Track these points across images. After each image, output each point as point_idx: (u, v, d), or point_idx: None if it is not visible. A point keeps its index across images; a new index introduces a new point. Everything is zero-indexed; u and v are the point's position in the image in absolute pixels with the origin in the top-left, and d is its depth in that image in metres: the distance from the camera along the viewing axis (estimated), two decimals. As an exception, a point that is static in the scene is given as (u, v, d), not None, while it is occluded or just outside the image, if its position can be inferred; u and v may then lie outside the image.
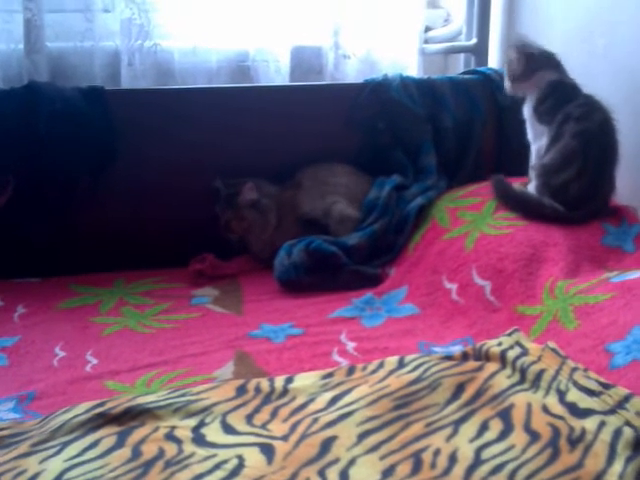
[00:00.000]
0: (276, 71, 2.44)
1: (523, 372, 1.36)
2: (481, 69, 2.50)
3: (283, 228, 2.25)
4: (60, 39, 2.32)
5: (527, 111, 2.06)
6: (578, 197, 1.93)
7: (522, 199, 2.00)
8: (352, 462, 1.18)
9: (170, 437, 1.25)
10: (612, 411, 1.23)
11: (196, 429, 1.28)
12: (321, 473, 1.15)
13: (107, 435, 1.26)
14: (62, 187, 2.14)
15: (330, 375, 1.43)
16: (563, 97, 2.00)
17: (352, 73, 2.51)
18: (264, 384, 1.41)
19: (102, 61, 2.34)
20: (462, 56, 2.68)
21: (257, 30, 2.43)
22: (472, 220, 2.01)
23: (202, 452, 1.21)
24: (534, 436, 1.20)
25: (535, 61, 2.04)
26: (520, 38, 2.16)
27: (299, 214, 2.26)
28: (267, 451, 1.21)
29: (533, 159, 2.06)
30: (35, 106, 2.11)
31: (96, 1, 2.33)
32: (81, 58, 2.32)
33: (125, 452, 1.22)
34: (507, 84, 2.11)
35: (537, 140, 2.04)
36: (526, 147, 2.08)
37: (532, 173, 2.03)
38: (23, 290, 2.07)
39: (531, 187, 2.01)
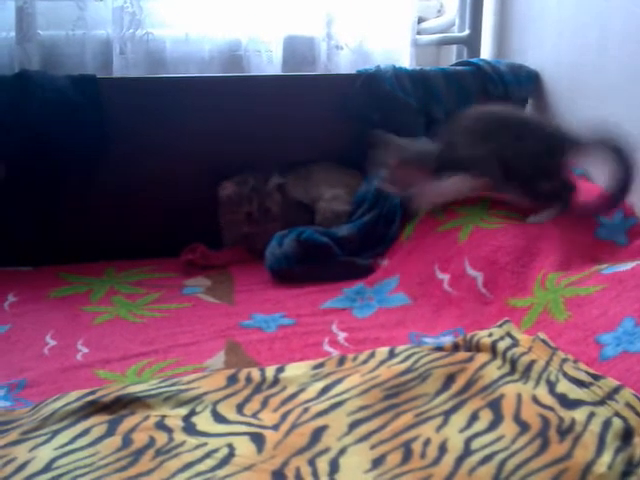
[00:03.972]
0: (268, 61, 2.43)
1: (513, 363, 1.36)
2: (473, 60, 2.49)
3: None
4: (52, 27, 2.31)
5: None
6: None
7: None
8: (342, 451, 1.18)
9: (160, 426, 1.26)
10: (601, 402, 1.23)
11: (186, 418, 1.28)
12: (311, 462, 1.16)
13: (98, 423, 1.26)
14: (53, 176, 2.14)
15: (321, 365, 1.44)
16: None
17: (345, 64, 2.50)
18: (255, 374, 1.41)
19: (94, 50, 2.33)
20: (455, 47, 2.68)
21: (250, 19, 2.41)
22: (467, 214, 2.00)
23: (192, 441, 1.22)
24: (524, 427, 1.21)
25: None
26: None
27: (287, 198, 2.28)
28: (257, 440, 1.21)
29: None
30: (26, 95, 2.10)
31: (88, -11, 2.33)
32: (73, 47, 2.30)
33: (115, 440, 1.22)
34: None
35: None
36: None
37: None
38: (14, 279, 2.07)
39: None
